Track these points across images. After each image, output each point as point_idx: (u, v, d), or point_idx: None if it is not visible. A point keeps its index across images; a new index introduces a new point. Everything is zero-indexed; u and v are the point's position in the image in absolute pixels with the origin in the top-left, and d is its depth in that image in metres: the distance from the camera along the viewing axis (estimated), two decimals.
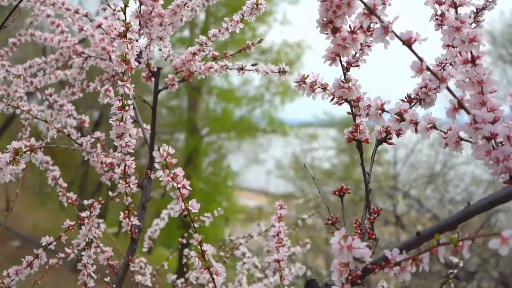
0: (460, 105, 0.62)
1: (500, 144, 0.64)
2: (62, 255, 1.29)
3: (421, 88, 0.83)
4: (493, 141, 0.64)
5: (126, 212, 1.14)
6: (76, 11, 1.30)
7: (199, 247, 0.81)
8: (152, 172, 1.22)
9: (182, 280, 1.62)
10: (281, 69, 1.08)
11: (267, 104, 10.33)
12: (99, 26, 1.28)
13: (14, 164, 0.82)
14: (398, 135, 0.83)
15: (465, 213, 0.61)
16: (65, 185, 1.26)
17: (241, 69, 1.15)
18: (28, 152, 0.83)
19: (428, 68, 0.61)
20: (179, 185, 0.77)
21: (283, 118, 10.41)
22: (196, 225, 1.70)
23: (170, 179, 0.77)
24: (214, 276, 0.80)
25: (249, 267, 1.68)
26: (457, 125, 0.66)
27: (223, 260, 1.62)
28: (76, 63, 1.42)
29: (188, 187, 0.78)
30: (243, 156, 11.07)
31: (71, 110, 1.33)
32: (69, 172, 9.79)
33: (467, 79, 0.67)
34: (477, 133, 0.62)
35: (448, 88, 0.62)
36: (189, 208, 0.79)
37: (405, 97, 0.84)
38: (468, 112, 0.62)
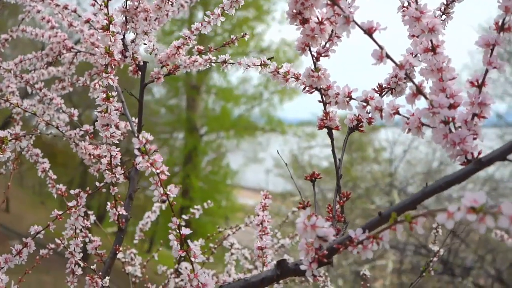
0: (418, 91, 0.65)
1: (459, 128, 0.67)
2: (53, 245, 1.32)
3: (391, 77, 0.86)
4: (451, 125, 0.67)
5: (113, 202, 1.17)
6: (65, 7, 1.33)
7: (178, 231, 0.83)
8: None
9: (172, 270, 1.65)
10: (263, 62, 1.11)
11: (266, 103, 10.39)
12: (87, 21, 1.31)
13: (0, 152, 0.85)
14: (369, 123, 0.86)
15: (423, 193, 0.64)
16: (54, 177, 1.29)
17: (224, 62, 1.18)
18: (13, 141, 0.86)
19: (388, 56, 0.65)
20: (158, 171, 0.80)
21: (281, 116, 10.46)
22: (186, 217, 1.71)
23: (149, 165, 0.80)
24: (192, 259, 0.83)
25: (238, 258, 1.71)
26: (418, 111, 0.69)
27: (211, 251, 1.65)
28: (66, 58, 1.45)
29: (167, 173, 0.81)
30: (242, 155, 11.11)
31: (61, 104, 1.36)
32: (68, 171, 9.82)
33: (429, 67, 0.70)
34: (435, 117, 0.65)
35: (407, 75, 0.65)
36: (168, 193, 0.82)
37: (376, 87, 0.87)
38: (426, 98, 0.65)
